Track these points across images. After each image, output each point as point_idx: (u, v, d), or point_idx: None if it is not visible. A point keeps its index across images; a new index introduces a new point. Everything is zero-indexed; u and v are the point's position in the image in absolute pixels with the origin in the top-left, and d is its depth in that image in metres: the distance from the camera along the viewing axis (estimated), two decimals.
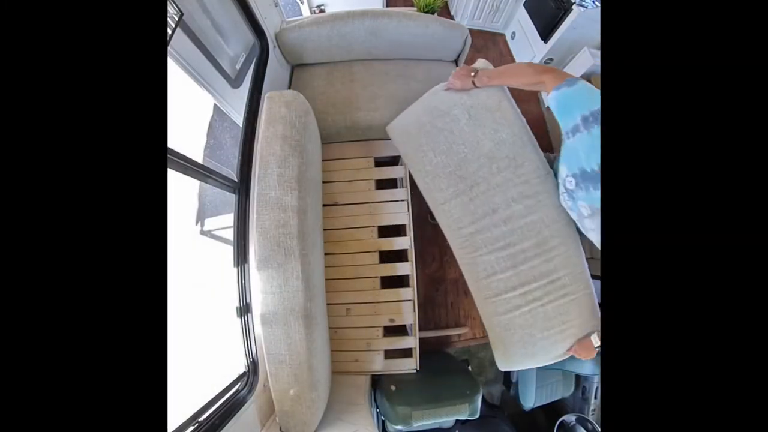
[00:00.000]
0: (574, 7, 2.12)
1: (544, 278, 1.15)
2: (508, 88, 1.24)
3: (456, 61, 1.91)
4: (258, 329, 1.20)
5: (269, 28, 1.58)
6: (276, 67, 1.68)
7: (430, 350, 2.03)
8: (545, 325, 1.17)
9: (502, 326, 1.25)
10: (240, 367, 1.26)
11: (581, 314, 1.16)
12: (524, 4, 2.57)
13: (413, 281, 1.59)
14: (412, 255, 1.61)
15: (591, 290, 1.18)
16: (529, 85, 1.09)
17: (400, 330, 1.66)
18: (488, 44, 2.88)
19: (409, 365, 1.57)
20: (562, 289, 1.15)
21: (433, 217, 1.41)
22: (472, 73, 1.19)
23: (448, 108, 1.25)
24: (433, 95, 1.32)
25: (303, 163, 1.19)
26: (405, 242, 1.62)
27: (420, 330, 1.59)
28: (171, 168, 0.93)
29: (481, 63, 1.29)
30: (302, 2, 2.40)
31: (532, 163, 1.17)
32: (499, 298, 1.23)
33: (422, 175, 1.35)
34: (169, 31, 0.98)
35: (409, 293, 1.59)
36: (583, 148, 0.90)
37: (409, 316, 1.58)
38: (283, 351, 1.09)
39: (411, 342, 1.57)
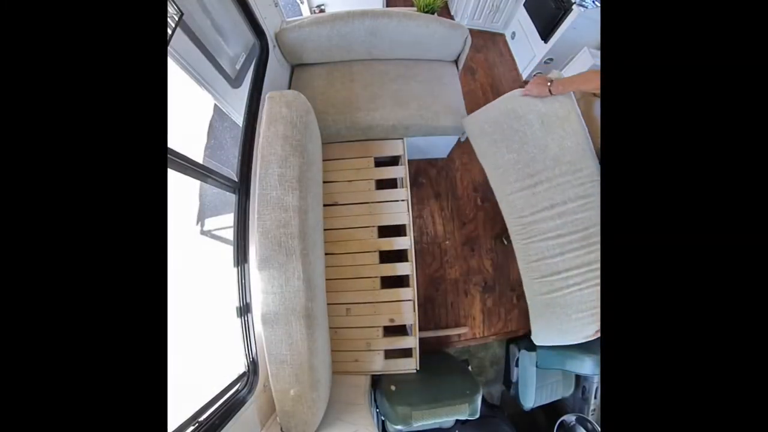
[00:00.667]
0: (574, 7, 2.13)
1: (584, 267, 1.31)
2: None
3: (456, 62, 1.91)
4: (258, 329, 1.20)
5: (269, 28, 1.58)
6: (276, 67, 1.68)
7: (430, 350, 2.02)
8: (580, 308, 1.33)
9: (544, 304, 1.43)
10: (240, 367, 1.26)
11: None
12: (524, 4, 2.57)
13: (413, 281, 1.60)
14: (412, 255, 1.61)
15: None
16: (599, 89, 1.23)
17: (400, 330, 1.66)
18: (488, 44, 2.87)
19: (409, 365, 1.57)
20: (599, 278, 1.24)
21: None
22: (548, 83, 1.34)
23: (524, 112, 1.41)
24: (511, 99, 1.46)
25: (304, 163, 1.19)
26: (405, 242, 1.62)
27: (420, 330, 1.59)
28: (171, 168, 0.93)
29: (554, 73, 1.44)
30: (302, 2, 2.40)
31: (589, 168, 1.33)
32: (544, 279, 1.41)
33: (493, 168, 1.55)
34: (169, 31, 0.98)
35: (409, 293, 1.59)
36: None
37: (409, 316, 1.58)
38: (284, 351, 1.10)
39: (411, 342, 1.57)
